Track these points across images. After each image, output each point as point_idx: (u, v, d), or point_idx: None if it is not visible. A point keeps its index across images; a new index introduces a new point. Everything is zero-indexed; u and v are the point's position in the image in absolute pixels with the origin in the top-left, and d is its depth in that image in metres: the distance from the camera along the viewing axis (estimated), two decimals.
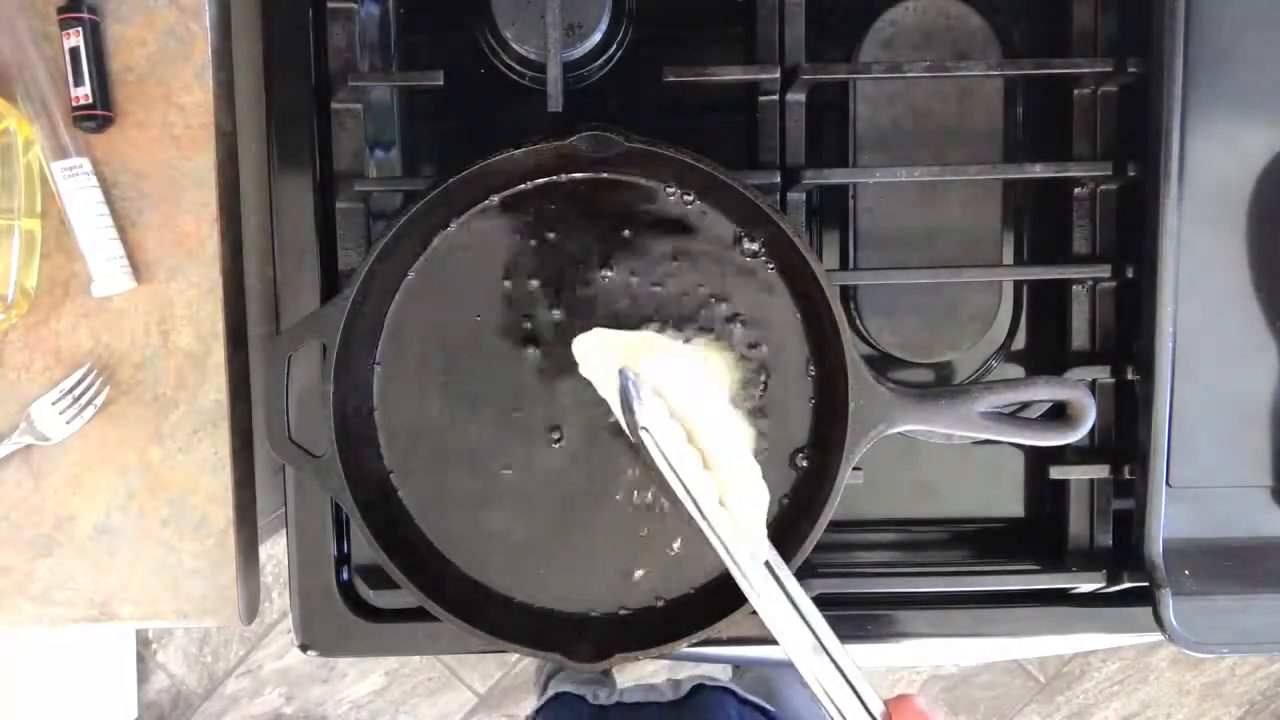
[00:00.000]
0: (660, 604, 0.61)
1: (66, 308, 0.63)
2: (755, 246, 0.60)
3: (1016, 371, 0.70)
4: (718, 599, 0.58)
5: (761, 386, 0.60)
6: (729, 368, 0.60)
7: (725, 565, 0.54)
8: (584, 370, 0.59)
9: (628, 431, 0.56)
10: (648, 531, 0.61)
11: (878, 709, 0.51)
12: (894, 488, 0.69)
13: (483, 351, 0.60)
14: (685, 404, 0.56)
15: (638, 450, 0.55)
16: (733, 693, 0.81)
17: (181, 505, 0.64)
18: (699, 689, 0.81)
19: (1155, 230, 0.59)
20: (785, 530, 0.60)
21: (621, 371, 0.55)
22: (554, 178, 0.60)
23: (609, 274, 0.60)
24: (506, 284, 0.60)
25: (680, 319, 0.60)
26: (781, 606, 0.54)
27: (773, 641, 0.65)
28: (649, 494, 0.61)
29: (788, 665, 0.54)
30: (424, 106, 0.68)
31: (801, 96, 0.63)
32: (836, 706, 0.52)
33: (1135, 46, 0.61)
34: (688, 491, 0.54)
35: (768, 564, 0.55)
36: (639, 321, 0.60)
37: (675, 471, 0.54)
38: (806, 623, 0.53)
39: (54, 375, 0.63)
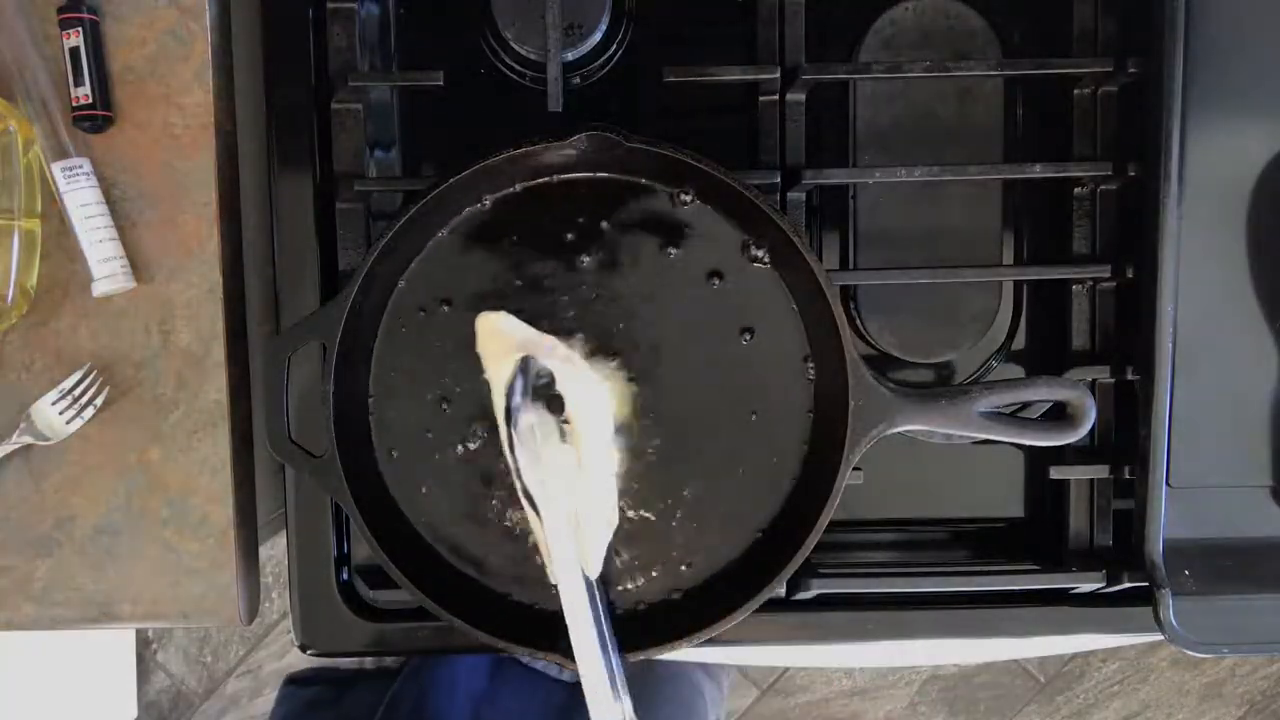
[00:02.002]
0: (660, 604, 0.61)
1: (66, 308, 0.63)
2: (755, 247, 0.60)
3: (1016, 371, 0.70)
4: (718, 599, 0.58)
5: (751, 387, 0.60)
6: (621, 397, 0.60)
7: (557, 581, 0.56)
8: (479, 346, 0.59)
9: (499, 417, 0.57)
10: (648, 533, 0.61)
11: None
12: (894, 488, 0.69)
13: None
14: (570, 412, 0.57)
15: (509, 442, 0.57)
16: None
17: (181, 505, 0.64)
18: None
19: (1155, 230, 0.59)
20: (785, 530, 0.60)
21: (527, 360, 0.56)
22: (553, 178, 0.60)
23: (608, 274, 0.60)
24: (506, 284, 0.60)
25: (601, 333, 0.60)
26: (587, 630, 0.55)
27: (774, 642, 0.65)
28: (651, 495, 0.61)
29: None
30: (424, 106, 0.68)
31: (801, 96, 0.63)
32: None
33: (1135, 46, 0.61)
34: (535, 495, 0.56)
35: (598, 582, 0.57)
36: (626, 319, 0.60)
37: (537, 471, 0.56)
38: (607, 657, 0.55)
39: (54, 375, 0.63)
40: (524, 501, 0.57)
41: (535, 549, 0.60)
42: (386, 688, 0.79)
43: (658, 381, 0.60)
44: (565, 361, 0.57)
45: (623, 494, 0.60)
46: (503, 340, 0.58)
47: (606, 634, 0.55)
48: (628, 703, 0.54)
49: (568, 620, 0.55)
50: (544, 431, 0.56)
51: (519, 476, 0.57)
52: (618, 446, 0.60)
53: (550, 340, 0.58)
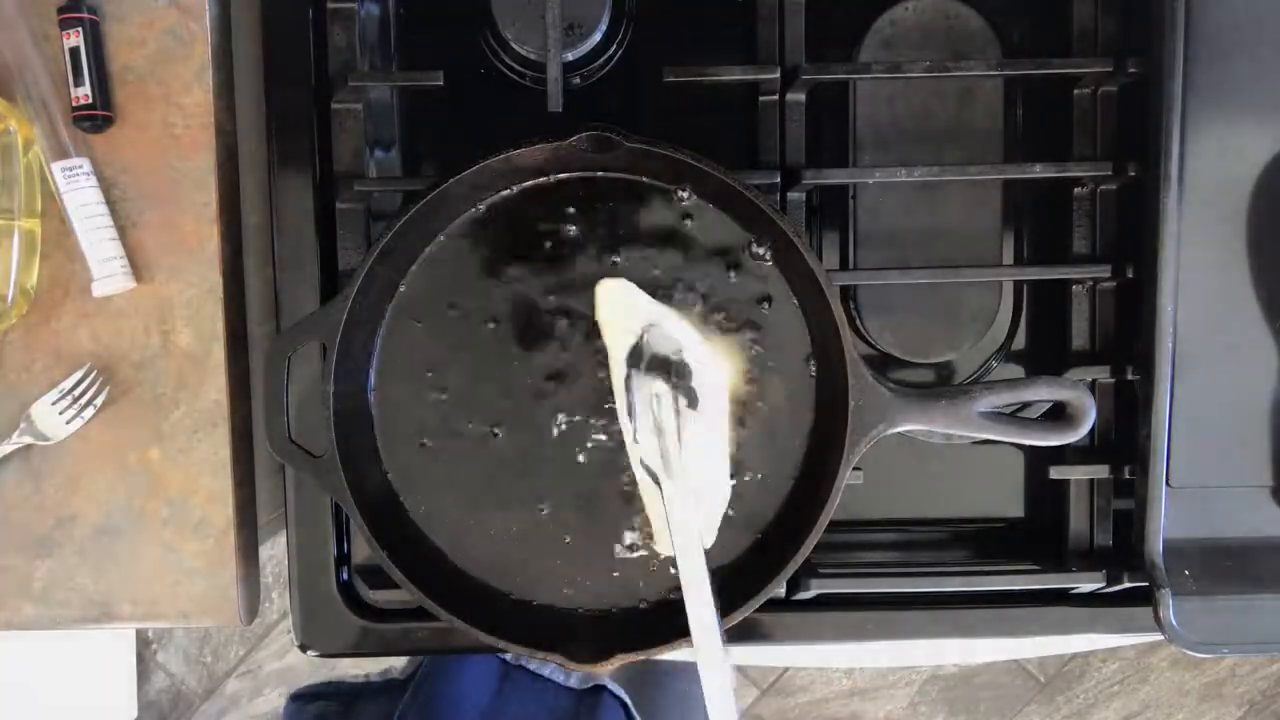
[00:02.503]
0: (660, 604, 0.61)
1: (66, 308, 0.63)
2: (755, 246, 0.60)
3: (1016, 371, 0.70)
4: (720, 599, 0.58)
5: (754, 387, 0.60)
6: (735, 364, 0.60)
7: (674, 549, 0.56)
8: (598, 315, 0.59)
9: (617, 386, 0.57)
10: (650, 532, 0.61)
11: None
12: (894, 488, 0.69)
13: (482, 350, 0.60)
14: (689, 384, 0.57)
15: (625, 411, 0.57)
16: (625, 706, 0.83)
17: (181, 505, 0.64)
18: (599, 689, 0.82)
19: (1155, 230, 0.59)
20: (785, 530, 0.60)
21: (653, 329, 0.57)
22: (553, 178, 0.60)
23: (609, 274, 0.60)
24: (506, 283, 0.60)
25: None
26: (705, 606, 0.55)
27: (774, 642, 0.65)
28: (650, 495, 0.61)
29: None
30: (424, 106, 0.68)
31: (801, 96, 0.63)
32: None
33: (1135, 46, 0.61)
34: (654, 465, 0.56)
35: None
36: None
37: (660, 441, 0.56)
38: (720, 630, 0.55)
39: (54, 375, 0.63)
40: (640, 472, 0.58)
41: (537, 548, 0.61)
42: (395, 701, 0.79)
43: None
44: (687, 334, 0.58)
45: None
46: (625, 308, 0.58)
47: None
48: (729, 670, 0.54)
49: (686, 592, 0.55)
50: (667, 401, 0.56)
51: (636, 445, 0.57)
52: (730, 418, 0.60)
53: (672, 312, 0.58)
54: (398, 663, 0.84)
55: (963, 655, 0.69)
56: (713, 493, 0.58)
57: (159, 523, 0.64)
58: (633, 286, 0.59)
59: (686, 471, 0.56)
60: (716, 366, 0.59)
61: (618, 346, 0.59)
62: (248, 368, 0.66)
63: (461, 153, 0.57)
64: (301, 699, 0.81)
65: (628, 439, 0.58)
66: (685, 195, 0.60)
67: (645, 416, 0.56)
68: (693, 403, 0.57)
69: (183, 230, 0.63)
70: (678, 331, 0.58)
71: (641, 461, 0.58)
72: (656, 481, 0.57)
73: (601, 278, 0.60)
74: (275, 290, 0.63)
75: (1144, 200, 0.60)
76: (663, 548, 0.59)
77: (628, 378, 0.57)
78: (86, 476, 0.64)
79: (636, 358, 0.58)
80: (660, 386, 0.57)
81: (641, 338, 0.58)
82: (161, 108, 0.62)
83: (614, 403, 0.60)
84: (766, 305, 0.60)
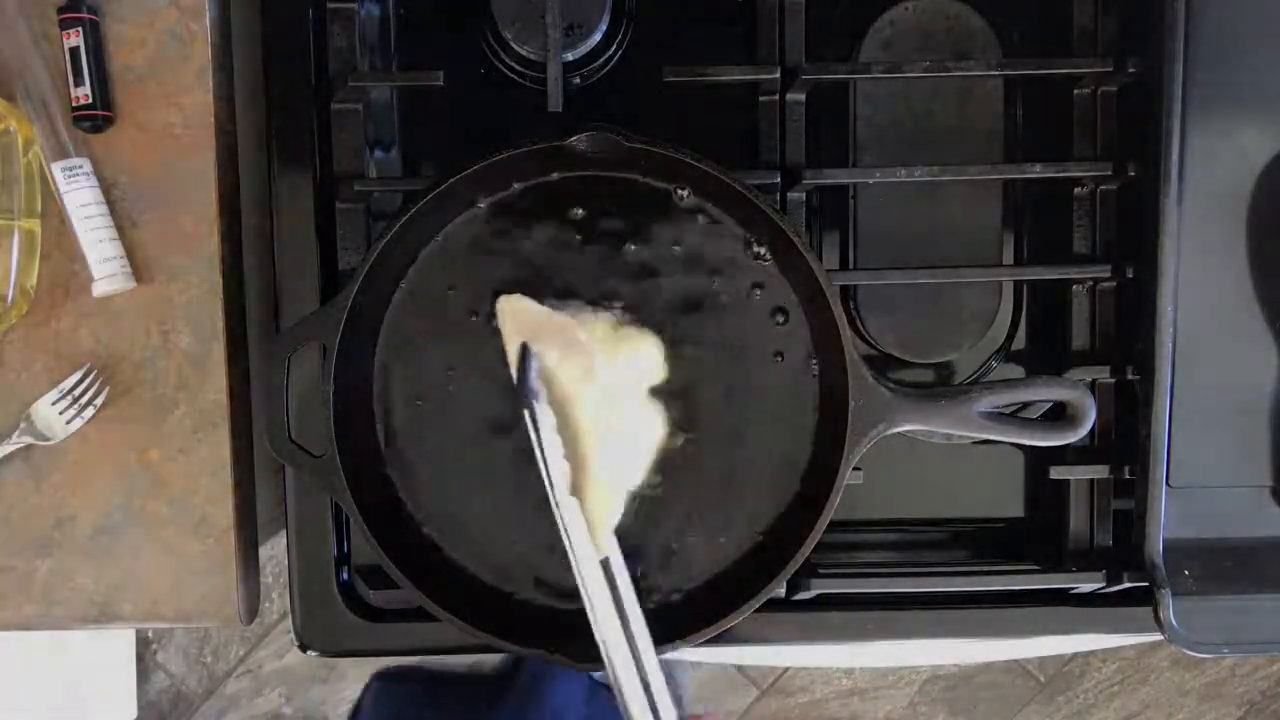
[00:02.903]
0: (660, 603, 0.61)
1: (66, 308, 0.63)
2: (755, 246, 0.60)
3: (1016, 371, 0.70)
4: (719, 598, 0.59)
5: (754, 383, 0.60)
6: (656, 358, 0.59)
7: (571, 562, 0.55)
8: (500, 326, 0.59)
9: (517, 396, 0.57)
10: (650, 532, 0.61)
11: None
12: (894, 488, 0.69)
13: (483, 350, 0.60)
14: (568, 390, 0.56)
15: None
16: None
17: (181, 505, 0.64)
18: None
19: (1155, 230, 0.59)
20: (786, 530, 0.60)
21: (524, 348, 0.56)
22: (553, 178, 0.60)
23: (607, 272, 0.60)
24: (506, 283, 0.60)
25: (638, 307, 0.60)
26: (606, 608, 0.54)
27: (774, 642, 0.65)
28: (650, 495, 0.61)
29: None
30: (424, 106, 0.68)
31: (801, 96, 0.63)
32: (630, 701, 0.53)
33: (1135, 46, 0.61)
34: (548, 475, 0.55)
35: (605, 563, 0.55)
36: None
37: (543, 454, 0.55)
38: (628, 631, 0.54)
39: (54, 375, 0.63)
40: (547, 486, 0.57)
41: (537, 548, 0.61)
42: (483, 695, 0.77)
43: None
44: (566, 345, 0.57)
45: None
46: (514, 322, 0.58)
47: (633, 625, 0.54)
48: (666, 698, 0.53)
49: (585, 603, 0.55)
50: (541, 417, 0.55)
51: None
52: (652, 410, 0.60)
53: (561, 319, 0.57)
54: (489, 657, 0.82)
55: (963, 655, 0.69)
56: (597, 496, 0.56)
57: (159, 523, 0.64)
58: (522, 299, 0.58)
59: (556, 481, 0.55)
60: (622, 366, 0.58)
61: (511, 360, 0.58)
62: (248, 368, 0.66)
63: (461, 153, 0.57)
64: (388, 679, 0.80)
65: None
66: (685, 195, 0.60)
67: (533, 434, 0.55)
68: (567, 421, 0.56)
69: (183, 230, 0.63)
70: (559, 341, 0.56)
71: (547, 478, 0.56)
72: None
73: (602, 276, 0.60)
74: (275, 290, 0.63)
75: (1144, 200, 0.60)
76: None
77: (520, 391, 0.56)
78: (86, 476, 0.64)
79: (523, 372, 0.56)
80: (534, 402, 0.55)
81: (529, 357, 0.56)
82: (161, 108, 0.62)
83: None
84: (766, 305, 0.60)
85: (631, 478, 0.59)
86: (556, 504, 0.55)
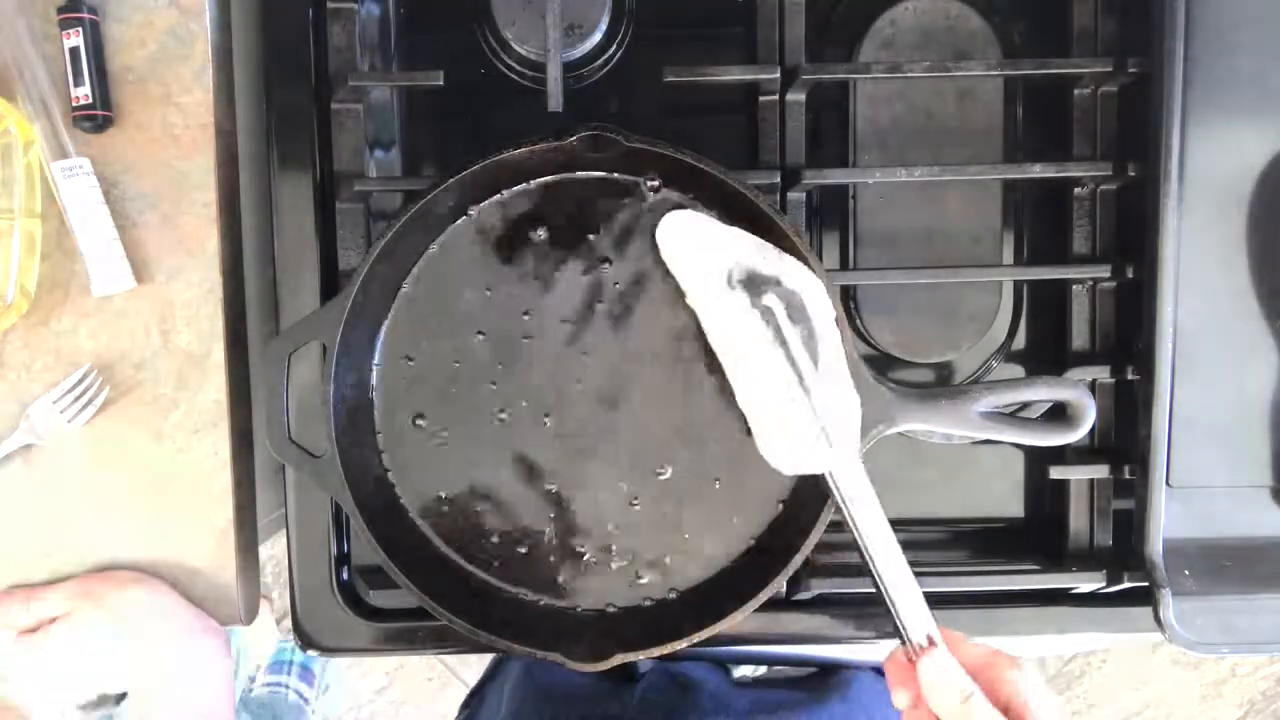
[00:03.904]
0: (660, 603, 0.61)
1: (66, 308, 0.63)
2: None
3: (1016, 371, 0.70)
4: (719, 598, 0.58)
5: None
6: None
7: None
8: (666, 252, 0.58)
9: (709, 315, 0.57)
10: (650, 531, 0.61)
11: (927, 631, 0.54)
12: (894, 488, 0.68)
13: (483, 350, 0.60)
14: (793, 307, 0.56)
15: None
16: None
17: (181, 505, 0.64)
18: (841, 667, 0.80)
19: (1155, 230, 0.59)
20: (785, 530, 0.60)
21: (738, 251, 0.56)
22: (553, 177, 0.60)
23: (607, 272, 0.60)
24: (506, 282, 0.60)
25: None
26: (866, 505, 0.56)
27: (774, 642, 0.65)
28: (649, 494, 0.61)
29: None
30: (424, 106, 0.68)
31: (801, 96, 0.63)
32: (897, 611, 0.54)
33: (1135, 46, 0.61)
34: (796, 368, 0.56)
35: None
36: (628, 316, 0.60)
37: (790, 349, 0.56)
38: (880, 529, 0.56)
39: (54, 375, 0.63)
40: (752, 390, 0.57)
41: (537, 548, 0.61)
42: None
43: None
44: (765, 251, 0.57)
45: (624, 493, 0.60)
46: (691, 241, 0.58)
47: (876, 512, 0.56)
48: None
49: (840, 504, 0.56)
50: (780, 311, 0.56)
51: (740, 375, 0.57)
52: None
53: (737, 231, 0.58)
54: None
55: None
56: (843, 400, 0.57)
57: (159, 523, 0.64)
58: (698, 215, 0.58)
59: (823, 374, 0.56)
60: (807, 279, 0.57)
61: (694, 283, 0.58)
62: (248, 368, 0.66)
63: (461, 153, 0.58)
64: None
65: (728, 371, 0.57)
66: (685, 195, 0.60)
67: (757, 333, 0.55)
68: (799, 315, 0.56)
69: (183, 230, 0.63)
70: (765, 256, 0.57)
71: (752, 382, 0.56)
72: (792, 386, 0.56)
73: (600, 274, 0.60)
74: (275, 290, 0.63)
75: (1144, 200, 0.60)
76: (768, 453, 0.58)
77: (719, 302, 0.56)
78: (86, 476, 0.64)
79: (728, 280, 0.56)
80: (770, 299, 0.56)
81: (729, 263, 0.56)
82: (161, 108, 0.62)
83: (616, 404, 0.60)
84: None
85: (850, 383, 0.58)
86: (806, 393, 0.55)
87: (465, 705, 0.86)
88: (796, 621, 0.65)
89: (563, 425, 0.60)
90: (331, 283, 0.63)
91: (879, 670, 0.80)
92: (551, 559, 0.61)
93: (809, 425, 0.56)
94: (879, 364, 0.66)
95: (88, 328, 0.63)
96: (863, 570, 0.66)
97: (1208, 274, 0.62)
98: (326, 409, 0.57)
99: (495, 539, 0.61)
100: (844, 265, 0.67)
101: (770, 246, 0.57)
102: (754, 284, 0.56)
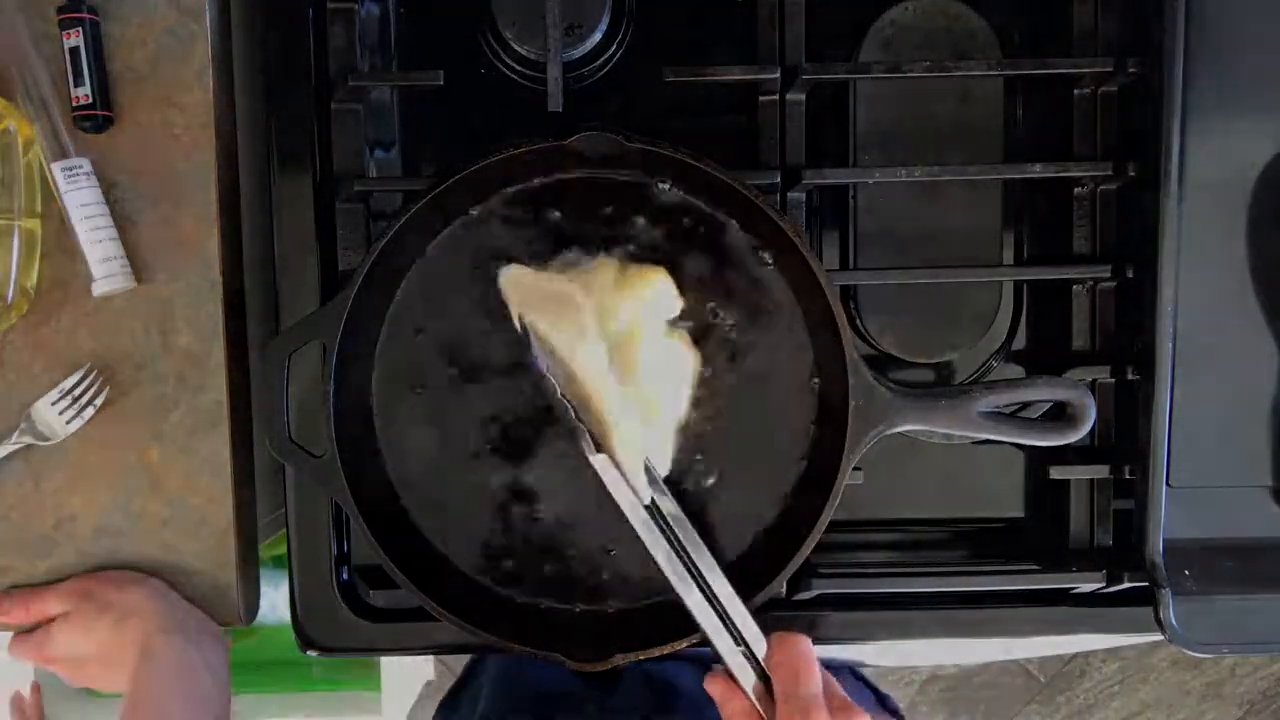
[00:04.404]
0: (661, 603, 0.61)
1: (66, 308, 0.63)
2: (755, 246, 0.60)
3: (1016, 371, 0.70)
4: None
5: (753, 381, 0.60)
6: (668, 289, 0.60)
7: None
8: (505, 299, 0.60)
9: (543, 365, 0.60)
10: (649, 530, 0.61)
11: (759, 647, 0.55)
12: (894, 488, 0.69)
13: (483, 350, 0.60)
14: (566, 353, 0.58)
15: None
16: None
17: (181, 505, 0.64)
18: None
19: (1155, 230, 0.59)
20: (785, 530, 0.60)
21: (521, 322, 0.59)
22: (554, 177, 0.60)
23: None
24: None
25: None
26: (659, 544, 0.57)
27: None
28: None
29: None
30: (424, 106, 0.68)
31: (801, 96, 0.63)
32: (714, 639, 0.55)
33: (1135, 46, 0.61)
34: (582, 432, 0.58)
35: (650, 506, 0.58)
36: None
37: (569, 409, 0.59)
38: (693, 570, 0.56)
39: (54, 375, 0.63)
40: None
41: (537, 547, 0.61)
42: None
43: None
44: (559, 308, 0.59)
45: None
46: (516, 293, 0.60)
47: (699, 562, 0.57)
48: (752, 627, 0.55)
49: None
50: (553, 379, 0.59)
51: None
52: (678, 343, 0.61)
53: (555, 285, 0.59)
54: None
55: (963, 655, 0.69)
56: (627, 442, 0.58)
57: (159, 523, 0.64)
58: (519, 270, 0.60)
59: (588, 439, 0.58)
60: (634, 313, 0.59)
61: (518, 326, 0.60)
62: (248, 368, 0.66)
63: (461, 153, 0.58)
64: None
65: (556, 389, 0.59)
66: (685, 195, 0.60)
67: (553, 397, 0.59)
68: (572, 378, 0.58)
69: (183, 230, 0.63)
70: (552, 310, 0.59)
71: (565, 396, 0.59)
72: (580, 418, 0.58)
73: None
74: (275, 290, 0.63)
75: (1144, 200, 0.60)
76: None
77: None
78: (86, 476, 0.64)
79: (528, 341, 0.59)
80: (546, 365, 0.59)
81: (526, 331, 0.59)
82: (161, 108, 0.62)
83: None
84: (766, 305, 0.60)
85: (672, 413, 0.60)
86: (592, 457, 0.58)
87: (441, 707, 0.86)
88: (796, 621, 0.65)
89: (564, 425, 0.60)
90: (331, 283, 0.63)
91: (856, 674, 0.81)
92: (552, 559, 0.61)
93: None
94: (879, 364, 0.66)
95: (88, 328, 0.63)
96: (863, 570, 0.67)
97: (1208, 274, 0.62)
98: (326, 409, 0.57)
99: (495, 539, 0.61)
100: (844, 265, 0.67)
101: (564, 297, 0.59)
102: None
